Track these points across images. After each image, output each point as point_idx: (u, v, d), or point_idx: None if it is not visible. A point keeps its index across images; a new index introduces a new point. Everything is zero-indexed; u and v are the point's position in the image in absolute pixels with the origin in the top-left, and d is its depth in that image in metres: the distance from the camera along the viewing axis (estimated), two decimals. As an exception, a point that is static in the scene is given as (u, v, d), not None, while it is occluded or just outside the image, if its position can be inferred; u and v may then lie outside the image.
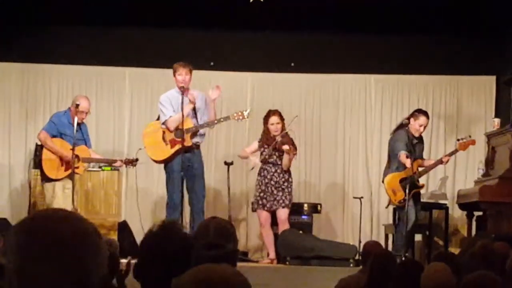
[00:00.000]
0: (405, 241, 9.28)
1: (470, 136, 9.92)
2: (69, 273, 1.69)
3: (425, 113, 9.58)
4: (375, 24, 10.98)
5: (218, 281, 1.96)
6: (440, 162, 9.68)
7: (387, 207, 10.09)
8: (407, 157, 9.17)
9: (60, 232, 1.71)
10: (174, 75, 9.08)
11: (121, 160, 9.36)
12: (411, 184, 9.18)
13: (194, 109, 9.10)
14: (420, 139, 9.63)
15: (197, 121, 9.10)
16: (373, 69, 11.38)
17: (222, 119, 9.25)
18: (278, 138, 9.44)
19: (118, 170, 10.20)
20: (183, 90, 8.96)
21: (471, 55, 11.28)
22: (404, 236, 9.22)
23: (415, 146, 9.48)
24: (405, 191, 9.18)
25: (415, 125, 9.45)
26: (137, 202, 9.69)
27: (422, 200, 10.15)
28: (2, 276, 1.74)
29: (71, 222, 1.74)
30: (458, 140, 9.92)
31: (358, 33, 11.13)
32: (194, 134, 9.08)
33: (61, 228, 1.72)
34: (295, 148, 9.51)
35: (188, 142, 8.94)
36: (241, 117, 9.22)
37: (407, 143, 9.32)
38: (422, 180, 9.86)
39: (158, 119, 9.34)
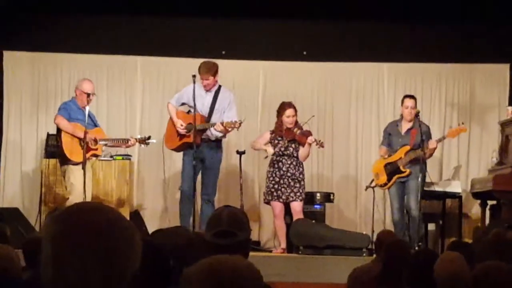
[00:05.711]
0: (395, 228, 9.42)
1: (462, 123, 9.84)
2: (102, 265, 1.72)
3: (407, 96, 9.76)
4: (388, 12, 10.91)
5: (229, 273, 1.92)
6: (428, 150, 9.37)
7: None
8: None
9: (96, 224, 1.74)
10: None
11: (135, 139, 9.25)
12: (393, 170, 9.45)
13: (212, 106, 9.10)
14: (417, 126, 9.44)
15: (209, 118, 9.07)
16: (385, 57, 11.32)
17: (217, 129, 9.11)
18: (297, 131, 9.37)
19: (129, 159, 10.17)
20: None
21: (485, 43, 11.19)
22: (394, 224, 9.60)
23: (403, 134, 9.55)
24: (387, 176, 9.49)
25: (403, 110, 9.61)
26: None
27: (435, 189, 10.09)
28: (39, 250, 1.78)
29: (107, 215, 1.78)
30: (451, 127, 10.01)
31: (370, 21, 11.06)
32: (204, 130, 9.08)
33: (97, 220, 1.75)
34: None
35: (190, 139, 8.93)
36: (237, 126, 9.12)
37: (385, 133, 9.80)
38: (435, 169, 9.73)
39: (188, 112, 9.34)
